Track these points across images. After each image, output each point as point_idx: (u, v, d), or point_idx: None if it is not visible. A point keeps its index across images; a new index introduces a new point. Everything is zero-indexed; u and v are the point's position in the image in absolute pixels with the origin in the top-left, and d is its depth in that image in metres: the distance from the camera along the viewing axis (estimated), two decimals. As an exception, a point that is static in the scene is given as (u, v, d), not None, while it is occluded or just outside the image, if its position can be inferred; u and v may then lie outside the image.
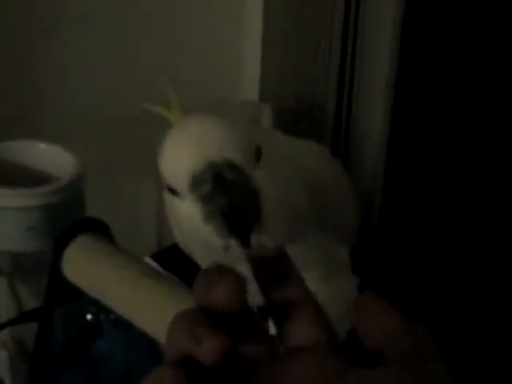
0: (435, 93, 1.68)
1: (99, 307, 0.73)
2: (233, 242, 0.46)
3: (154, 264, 1.05)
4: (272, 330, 0.35)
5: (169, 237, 1.10)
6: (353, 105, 1.65)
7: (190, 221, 0.49)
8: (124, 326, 0.73)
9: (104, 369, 0.77)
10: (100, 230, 0.74)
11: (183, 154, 0.48)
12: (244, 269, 0.35)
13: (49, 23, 1.55)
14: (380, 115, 1.61)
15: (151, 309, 0.66)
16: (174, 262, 1.07)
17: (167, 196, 0.51)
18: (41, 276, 0.83)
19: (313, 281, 0.40)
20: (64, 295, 0.74)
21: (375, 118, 1.62)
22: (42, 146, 0.95)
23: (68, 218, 0.80)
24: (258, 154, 0.48)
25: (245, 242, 0.46)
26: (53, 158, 0.93)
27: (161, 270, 1.03)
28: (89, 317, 0.76)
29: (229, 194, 0.46)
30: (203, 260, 0.58)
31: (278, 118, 1.65)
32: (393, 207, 1.65)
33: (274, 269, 0.35)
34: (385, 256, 1.37)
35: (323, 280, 0.63)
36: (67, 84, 1.65)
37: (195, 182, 0.47)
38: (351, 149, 1.66)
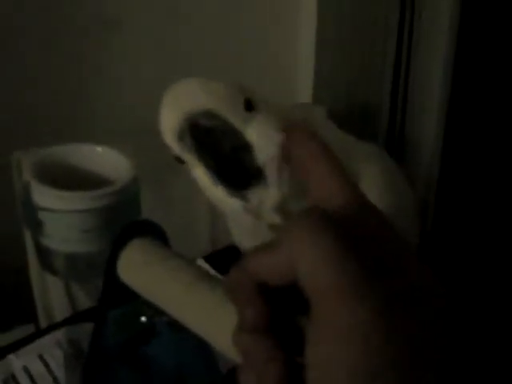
0: (491, 96, 1.65)
1: (153, 309, 0.73)
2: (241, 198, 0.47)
3: (206, 266, 1.05)
4: None
5: (222, 238, 1.10)
6: (407, 108, 1.63)
7: (205, 188, 0.50)
8: (178, 329, 0.73)
9: (157, 371, 0.78)
10: (155, 232, 0.74)
11: (165, 116, 0.49)
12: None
13: (100, 25, 1.57)
14: (434, 119, 1.59)
15: (205, 312, 0.66)
16: (227, 264, 1.08)
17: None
18: (96, 277, 0.84)
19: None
20: (119, 297, 0.75)
21: (429, 123, 1.60)
22: (98, 149, 0.96)
23: (123, 221, 0.80)
24: (248, 106, 0.48)
25: (241, 188, 0.47)
26: (108, 161, 0.94)
27: (213, 272, 1.03)
28: (143, 319, 0.76)
29: (210, 140, 0.46)
30: (238, 237, 0.58)
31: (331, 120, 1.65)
32: (447, 212, 1.62)
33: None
34: (439, 260, 1.34)
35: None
36: (119, 87, 1.67)
37: (180, 139, 0.48)
38: (405, 153, 1.65)
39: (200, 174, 0.49)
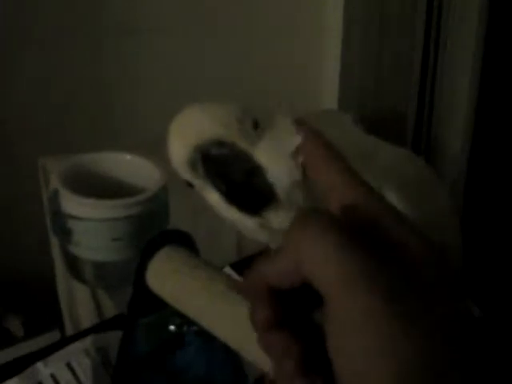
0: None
1: (182, 318, 0.73)
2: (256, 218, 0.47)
3: (233, 273, 1.05)
4: None
5: (249, 246, 1.10)
6: (434, 112, 1.62)
7: (218, 209, 0.50)
8: (206, 338, 0.73)
9: (185, 380, 0.77)
10: (184, 241, 0.74)
11: (174, 148, 0.49)
12: None
13: (125, 34, 1.57)
14: (461, 123, 1.58)
15: (234, 322, 0.65)
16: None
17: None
18: (124, 286, 0.84)
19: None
20: (147, 306, 0.75)
21: (456, 127, 1.59)
22: (128, 157, 0.96)
23: (152, 229, 0.80)
24: (255, 127, 0.48)
25: (255, 211, 0.47)
26: (138, 169, 0.94)
27: (240, 279, 1.03)
28: (172, 328, 0.76)
29: (222, 168, 0.46)
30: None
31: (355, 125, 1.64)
32: (475, 216, 1.61)
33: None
34: (468, 263, 1.33)
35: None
36: (151, 96, 1.67)
37: (191, 169, 0.48)
38: (432, 157, 1.64)
39: (212, 197, 0.49)
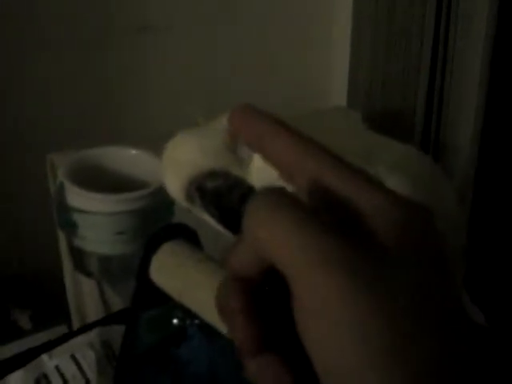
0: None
1: (185, 312, 0.73)
2: None
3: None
4: None
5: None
6: (443, 111, 1.61)
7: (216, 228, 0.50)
8: (209, 332, 0.73)
9: (188, 373, 0.77)
10: (188, 235, 0.74)
11: (169, 181, 0.50)
12: None
13: (133, 32, 1.58)
14: (471, 122, 1.57)
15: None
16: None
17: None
18: (129, 279, 0.84)
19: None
20: (151, 299, 0.75)
21: (466, 126, 1.58)
22: (133, 151, 0.97)
23: (157, 223, 0.81)
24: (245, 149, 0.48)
25: None
26: (142, 163, 0.94)
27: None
28: (175, 321, 0.76)
29: (218, 198, 0.46)
30: None
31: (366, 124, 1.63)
32: (484, 215, 1.60)
33: None
34: (476, 262, 1.33)
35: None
36: (154, 91, 1.68)
37: (189, 200, 0.48)
38: (440, 156, 1.63)
39: (210, 221, 0.50)
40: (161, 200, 0.89)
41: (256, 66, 1.76)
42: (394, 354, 0.29)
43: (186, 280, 0.70)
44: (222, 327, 0.66)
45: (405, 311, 0.29)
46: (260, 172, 0.47)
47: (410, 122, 1.65)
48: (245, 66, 1.74)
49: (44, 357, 0.87)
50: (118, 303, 1.01)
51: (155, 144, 1.02)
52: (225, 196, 0.47)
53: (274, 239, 0.31)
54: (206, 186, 0.47)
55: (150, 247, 0.73)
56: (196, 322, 0.75)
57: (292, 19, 1.77)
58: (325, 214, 0.33)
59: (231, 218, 0.47)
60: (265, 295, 0.34)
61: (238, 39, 1.71)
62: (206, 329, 0.72)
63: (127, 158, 0.96)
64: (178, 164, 0.49)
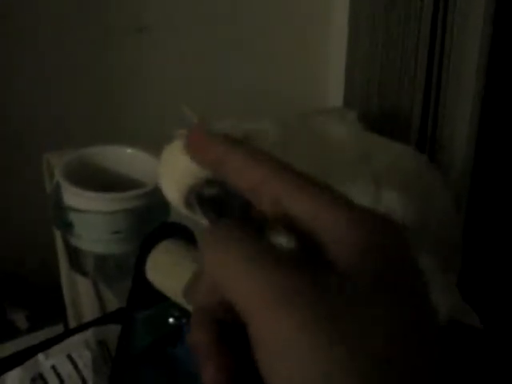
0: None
1: (181, 311, 0.73)
2: None
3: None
4: None
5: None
6: (439, 110, 1.62)
7: None
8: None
9: (185, 372, 0.77)
10: (184, 235, 0.74)
11: (168, 190, 0.49)
12: None
13: (131, 31, 1.58)
14: (467, 121, 1.57)
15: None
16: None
17: None
18: (124, 278, 0.84)
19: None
20: (147, 298, 0.75)
21: (462, 125, 1.58)
22: (128, 150, 0.97)
23: (153, 223, 0.80)
24: None
25: None
26: (139, 163, 0.94)
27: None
28: (171, 320, 0.76)
29: (217, 206, 0.46)
30: None
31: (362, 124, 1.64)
32: (480, 214, 1.61)
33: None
34: (472, 260, 1.33)
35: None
36: (150, 90, 1.68)
37: (189, 208, 0.48)
38: (437, 155, 1.63)
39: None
40: (157, 199, 0.88)
41: (253, 69, 1.76)
42: None
43: (182, 279, 0.70)
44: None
45: (368, 343, 0.28)
46: None
47: (407, 122, 1.65)
48: (239, 68, 1.74)
49: (40, 356, 0.87)
50: (114, 302, 1.01)
51: (152, 143, 1.03)
52: (225, 203, 0.47)
53: (227, 278, 0.30)
54: (205, 193, 0.47)
55: (145, 246, 0.73)
56: (192, 321, 0.75)
57: (290, 20, 1.77)
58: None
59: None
60: (233, 327, 0.32)
61: (236, 40, 1.71)
62: (202, 328, 0.72)
63: (123, 157, 0.96)
64: (175, 173, 0.49)
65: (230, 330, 0.32)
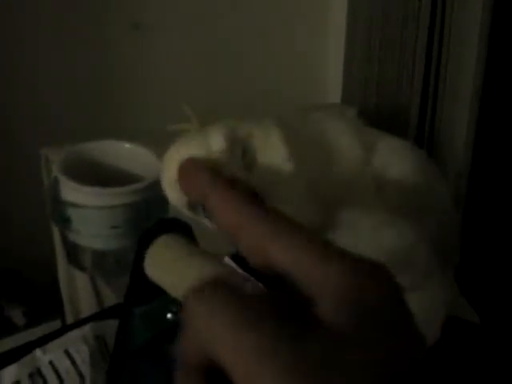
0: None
1: (179, 307, 0.73)
2: None
3: (232, 264, 1.05)
4: None
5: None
6: (437, 107, 1.62)
7: None
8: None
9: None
10: (183, 230, 0.74)
11: (171, 193, 0.49)
12: None
13: (130, 29, 1.57)
14: (465, 118, 1.57)
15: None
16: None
17: None
18: (123, 274, 0.84)
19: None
20: (145, 294, 0.75)
21: (460, 122, 1.58)
22: (127, 145, 0.96)
23: (151, 218, 0.80)
24: (244, 155, 0.48)
25: None
26: (137, 157, 0.94)
27: (239, 270, 1.03)
28: (169, 316, 0.76)
29: None
30: None
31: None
32: (478, 210, 1.61)
33: None
34: (470, 257, 1.33)
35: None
36: (149, 86, 1.68)
37: (192, 210, 0.48)
38: (435, 151, 1.63)
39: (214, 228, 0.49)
40: (155, 194, 0.88)
41: (253, 67, 1.76)
42: None
43: (181, 274, 0.70)
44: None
45: None
46: (263, 175, 0.47)
47: (405, 120, 1.66)
48: (240, 66, 1.74)
49: (38, 352, 0.87)
50: (111, 297, 1.01)
51: (152, 140, 1.02)
52: None
53: (211, 340, 0.30)
54: None
55: (144, 241, 0.73)
56: (190, 316, 0.75)
57: (289, 20, 1.77)
58: (265, 294, 0.32)
59: None
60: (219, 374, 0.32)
61: (230, 39, 1.72)
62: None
63: (122, 152, 0.96)
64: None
65: (216, 376, 0.32)
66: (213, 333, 0.30)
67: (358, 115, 1.61)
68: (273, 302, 0.31)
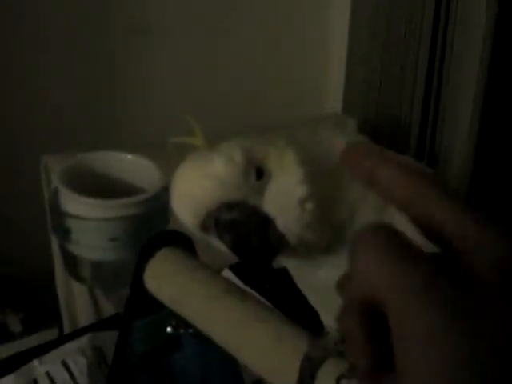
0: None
1: (179, 320, 0.73)
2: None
3: (232, 275, 1.04)
4: None
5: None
6: (438, 119, 1.62)
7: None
8: (203, 340, 0.72)
9: (181, 382, 0.77)
10: (183, 243, 0.73)
11: (184, 214, 0.48)
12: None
13: (134, 33, 1.57)
14: (466, 131, 1.57)
15: (231, 326, 0.65)
16: (253, 274, 1.07)
17: None
18: (122, 286, 0.84)
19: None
20: (145, 307, 0.74)
21: (461, 135, 1.58)
22: (129, 157, 0.96)
23: (151, 230, 0.80)
24: (258, 175, 0.47)
25: (266, 266, 0.48)
26: (138, 169, 0.93)
27: (239, 281, 1.02)
28: (168, 329, 0.75)
29: (231, 233, 0.46)
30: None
31: (359, 131, 1.64)
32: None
33: None
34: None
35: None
36: (156, 98, 1.67)
37: (204, 231, 0.47)
38: (435, 165, 1.63)
39: (222, 249, 0.49)
40: (156, 206, 0.88)
41: (252, 74, 1.76)
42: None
43: (181, 288, 0.70)
44: (215, 336, 0.65)
45: (501, 345, 0.30)
46: (274, 199, 0.46)
47: (406, 129, 1.65)
48: (239, 72, 1.74)
49: (35, 362, 0.87)
50: (109, 309, 1.00)
51: (153, 147, 1.02)
52: (241, 227, 0.46)
53: (376, 275, 0.33)
54: (223, 217, 0.47)
55: (144, 254, 0.73)
56: (190, 330, 0.74)
57: (287, 26, 1.77)
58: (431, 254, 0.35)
59: (246, 247, 0.47)
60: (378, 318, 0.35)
61: (231, 44, 1.72)
62: (200, 337, 0.71)
63: (123, 163, 0.95)
64: (192, 197, 0.48)
65: (375, 320, 0.35)
66: (378, 271, 0.33)
67: (359, 126, 1.61)
68: (434, 256, 0.35)
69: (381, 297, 0.33)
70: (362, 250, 0.35)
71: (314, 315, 0.55)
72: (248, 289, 0.94)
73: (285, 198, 0.46)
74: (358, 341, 0.35)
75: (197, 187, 0.47)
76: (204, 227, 0.47)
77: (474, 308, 0.31)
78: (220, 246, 0.48)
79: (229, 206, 0.46)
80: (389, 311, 0.33)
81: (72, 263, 0.94)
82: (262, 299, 0.77)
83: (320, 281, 0.50)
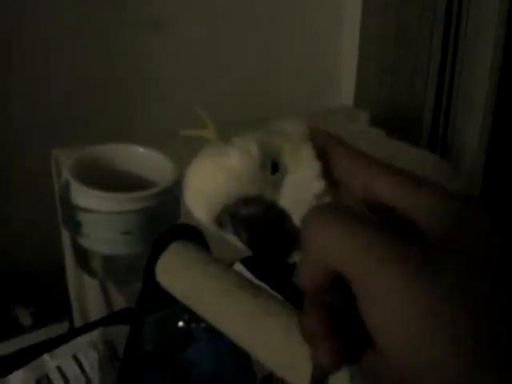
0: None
1: (191, 315, 0.72)
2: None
3: (243, 269, 1.04)
4: None
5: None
6: (451, 112, 1.61)
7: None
8: (215, 335, 0.72)
9: (193, 376, 0.77)
10: (195, 237, 0.73)
11: (199, 210, 0.47)
12: None
13: (146, 26, 1.57)
14: (479, 123, 1.56)
15: (243, 320, 0.65)
16: (265, 268, 1.07)
17: None
18: (133, 280, 0.83)
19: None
20: (156, 301, 0.74)
21: (474, 127, 1.57)
22: (141, 150, 0.95)
23: (163, 224, 0.79)
24: (274, 169, 0.47)
25: (282, 261, 0.47)
26: (151, 163, 0.93)
27: (250, 275, 1.02)
28: (180, 324, 0.75)
29: (248, 229, 0.45)
30: None
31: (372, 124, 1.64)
32: (490, 216, 1.59)
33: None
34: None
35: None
36: (164, 92, 1.67)
37: (219, 226, 0.47)
38: (447, 157, 1.62)
39: (236, 243, 0.48)
40: (168, 200, 0.87)
41: (263, 66, 1.76)
42: (448, 327, 0.31)
43: (193, 282, 0.70)
44: (227, 330, 0.65)
45: (458, 295, 0.32)
46: (290, 194, 0.46)
47: (419, 121, 1.65)
48: (250, 65, 1.74)
49: (45, 357, 0.86)
50: (120, 302, 1.00)
51: (164, 142, 1.02)
52: (258, 221, 0.46)
53: (335, 244, 0.34)
54: (240, 212, 0.46)
55: (156, 248, 0.72)
56: (202, 325, 0.74)
57: (300, 18, 1.76)
58: (378, 218, 0.37)
59: (262, 242, 0.46)
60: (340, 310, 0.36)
61: (241, 37, 1.71)
62: (212, 332, 0.71)
63: (135, 156, 0.95)
64: (206, 193, 0.47)
65: (337, 313, 0.36)
66: (334, 238, 0.34)
67: (371, 118, 1.60)
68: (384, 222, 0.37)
69: (341, 265, 0.34)
70: (318, 222, 0.36)
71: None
72: (260, 283, 0.94)
73: (301, 193, 0.45)
74: (321, 337, 0.35)
75: (211, 181, 0.46)
76: (219, 222, 0.47)
77: (427, 263, 0.32)
78: (234, 241, 0.47)
79: (245, 201, 0.45)
80: (353, 278, 0.34)
81: (83, 257, 0.93)
82: (274, 293, 0.77)
83: None
